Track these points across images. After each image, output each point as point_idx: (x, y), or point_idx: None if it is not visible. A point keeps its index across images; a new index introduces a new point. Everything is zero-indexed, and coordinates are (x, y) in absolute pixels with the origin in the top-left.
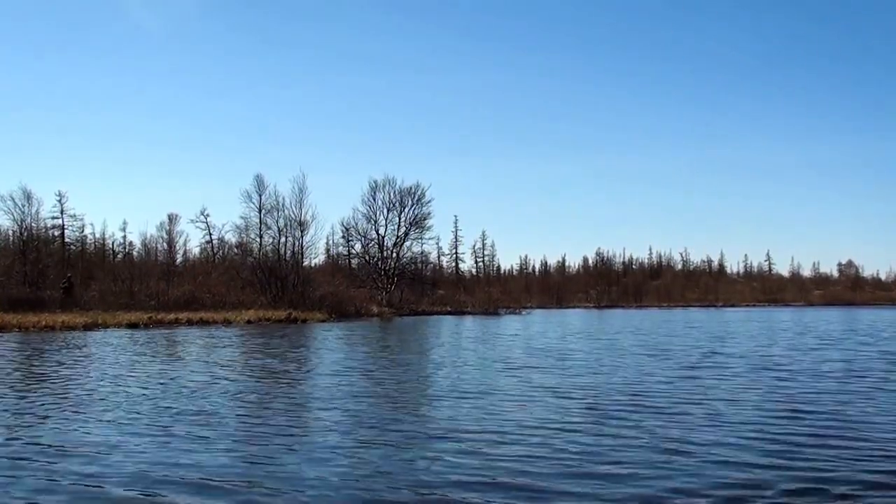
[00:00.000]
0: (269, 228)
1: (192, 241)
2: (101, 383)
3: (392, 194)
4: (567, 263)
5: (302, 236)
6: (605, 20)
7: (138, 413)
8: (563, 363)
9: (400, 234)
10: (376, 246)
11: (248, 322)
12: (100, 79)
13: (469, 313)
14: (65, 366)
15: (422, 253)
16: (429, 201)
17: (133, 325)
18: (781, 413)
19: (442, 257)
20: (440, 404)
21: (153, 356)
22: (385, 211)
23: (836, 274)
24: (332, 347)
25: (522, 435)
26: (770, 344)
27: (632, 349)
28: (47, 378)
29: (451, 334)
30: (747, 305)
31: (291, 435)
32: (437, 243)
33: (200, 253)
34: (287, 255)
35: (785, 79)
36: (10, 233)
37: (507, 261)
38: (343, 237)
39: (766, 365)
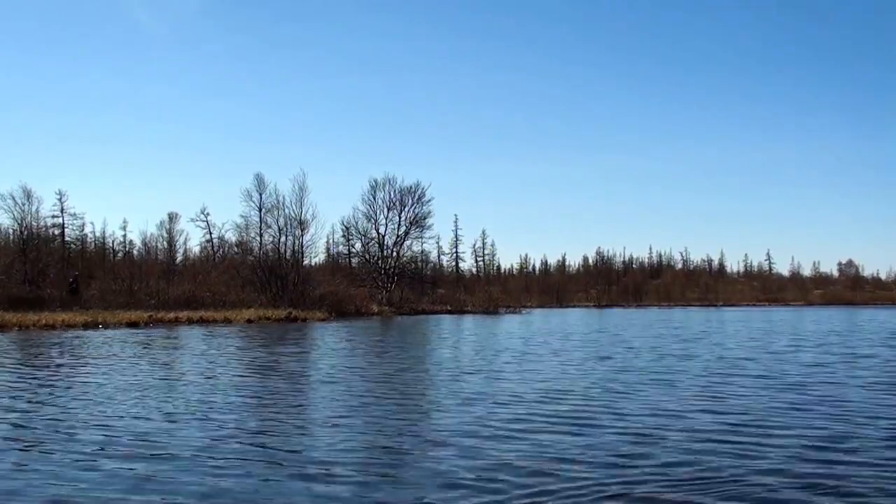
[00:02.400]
0: (270, 227)
1: (193, 239)
2: (95, 381)
3: (392, 193)
4: (567, 263)
5: (302, 235)
6: (605, 20)
7: (131, 413)
8: (513, 368)
9: (400, 233)
10: (376, 245)
11: (248, 321)
12: (100, 78)
13: (469, 312)
14: (68, 363)
15: (422, 252)
16: (429, 200)
17: (133, 324)
18: (684, 431)
19: (442, 256)
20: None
21: (151, 356)
22: (385, 210)
23: (836, 273)
24: (329, 348)
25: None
26: (741, 346)
27: (598, 351)
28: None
29: (447, 336)
30: (747, 305)
31: (286, 439)
32: (438, 242)
33: (201, 252)
34: (287, 254)
35: (785, 79)
36: (11, 232)
37: (508, 260)
38: (343, 236)
39: (720, 369)
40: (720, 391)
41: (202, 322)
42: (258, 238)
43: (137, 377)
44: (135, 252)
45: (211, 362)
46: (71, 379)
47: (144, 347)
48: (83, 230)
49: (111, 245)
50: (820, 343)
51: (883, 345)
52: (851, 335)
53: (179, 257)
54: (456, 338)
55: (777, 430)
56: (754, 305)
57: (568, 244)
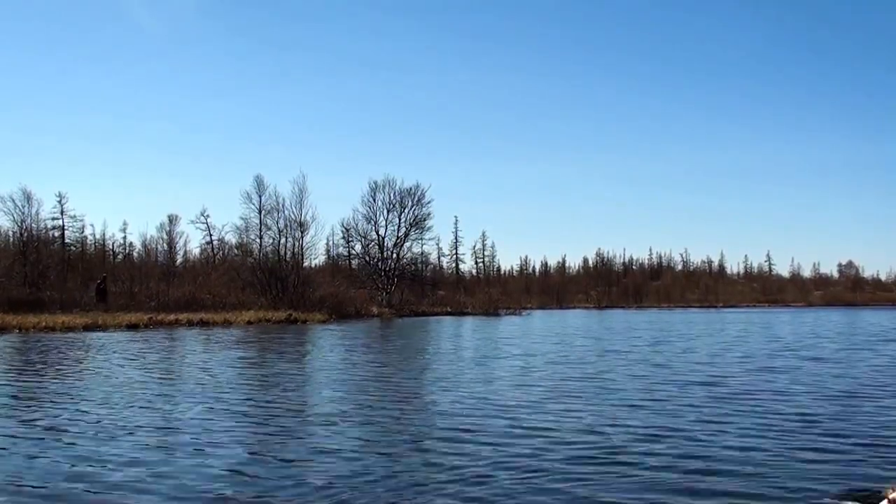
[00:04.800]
0: (270, 229)
1: (193, 241)
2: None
3: (392, 195)
4: (567, 264)
5: (302, 237)
6: (605, 20)
7: (129, 420)
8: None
9: (400, 234)
10: (376, 247)
11: (249, 323)
12: (100, 79)
13: (469, 314)
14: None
15: (422, 254)
16: (429, 202)
17: (133, 326)
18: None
19: (442, 258)
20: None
21: (150, 359)
22: (385, 212)
23: (836, 274)
24: (325, 351)
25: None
26: (710, 350)
27: (563, 356)
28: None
29: (437, 340)
30: (748, 306)
31: (284, 443)
32: (438, 244)
33: (200, 254)
34: (287, 255)
35: (785, 79)
36: (11, 234)
37: (508, 261)
38: (343, 238)
39: (667, 376)
40: (648, 401)
41: (202, 324)
42: (258, 240)
43: (133, 380)
44: (135, 254)
45: (209, 364)
46: (64, 382)
47: (143, 350)
48: (83, 232)
49: (111, 247)
50: (795, 347)
51: (858, 347)
52: (835, 338)
53: (179, 259)
54: (444, 341)
55: (666, 447)
56: (754, 306)
57: (568, 245)
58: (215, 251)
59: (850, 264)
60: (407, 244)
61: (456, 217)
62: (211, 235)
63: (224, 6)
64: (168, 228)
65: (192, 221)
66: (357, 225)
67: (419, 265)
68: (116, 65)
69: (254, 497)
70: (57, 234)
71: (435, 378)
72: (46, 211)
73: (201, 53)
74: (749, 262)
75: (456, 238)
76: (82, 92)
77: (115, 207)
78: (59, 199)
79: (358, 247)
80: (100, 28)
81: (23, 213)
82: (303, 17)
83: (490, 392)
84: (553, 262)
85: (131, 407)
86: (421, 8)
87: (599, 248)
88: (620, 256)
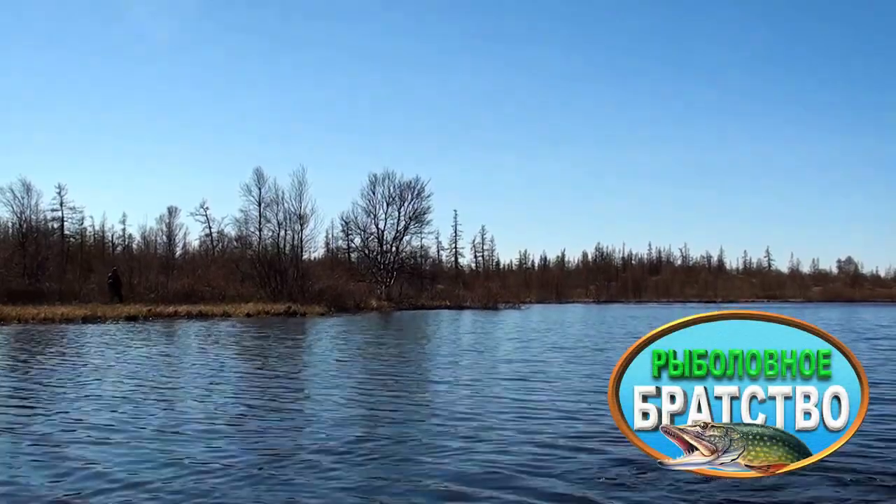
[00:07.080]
0: (269, 222)
1: (192, 234)
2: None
3: (391, 188)
4: (566, 258)
5: (301, 230)
6: (605, 19)
7: (114, 414)
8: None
9: (399, 228)
10: (376, 240)
11: (248, 315)
12: (101, 73)
13: (468, 308)
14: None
15: (421, 247)
16: (428, 196)
17: (132, 318)
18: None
19: (441, 252)
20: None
21: (148, 348)
22: (384, 205)
23: (835, 270)
24: (329, 343)
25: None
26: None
27: (533, 354)
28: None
29: (429, 334)
30: (746, 301)
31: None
32: (437, 238)
33: (200, 246)
34: (286, 248)
35: (784, 79)
36: (10, 225)
37: (507, 255)
38: (342, 231)
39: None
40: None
41: (201, 316)
42: (257, 232)
43: (132, 370)
44: (134, 246)
45: (207, 356)
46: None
47: (142, 340)
48: (82, 224)
49: (110, 239)
50: None
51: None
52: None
53: (179, 251)
54: (426, 338)
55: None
56: (753, 302)
57: (567, 240)
58: (214, 243)
59: (849, 260)
60: (406, 238)
61: (455, 211)
62: (210, 228)
63: (224, 4)
64: (167, 220)
65: (192, 213)
66: (356, 218)
67: (418, 259)
68: (118, 60)
69: (241, 483)
70: (56, 225)
71: (381, 377)
72: (46, 202)
73: (202, 49)
74: (748, 258)
75: (455, 232)
76: (83, 85)
77: (115, 199)
78: (58, 190)
79: (357, 240)
80: (101, 25)
81: (22, 205)
82: (303, 14)
83: (425, 392)
84: (552, 257)
85: (136, 399)
86: (421, 4)
87: (599, 243)
88: (620, 251)
